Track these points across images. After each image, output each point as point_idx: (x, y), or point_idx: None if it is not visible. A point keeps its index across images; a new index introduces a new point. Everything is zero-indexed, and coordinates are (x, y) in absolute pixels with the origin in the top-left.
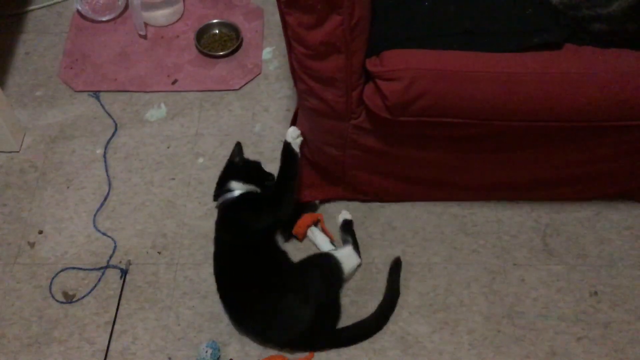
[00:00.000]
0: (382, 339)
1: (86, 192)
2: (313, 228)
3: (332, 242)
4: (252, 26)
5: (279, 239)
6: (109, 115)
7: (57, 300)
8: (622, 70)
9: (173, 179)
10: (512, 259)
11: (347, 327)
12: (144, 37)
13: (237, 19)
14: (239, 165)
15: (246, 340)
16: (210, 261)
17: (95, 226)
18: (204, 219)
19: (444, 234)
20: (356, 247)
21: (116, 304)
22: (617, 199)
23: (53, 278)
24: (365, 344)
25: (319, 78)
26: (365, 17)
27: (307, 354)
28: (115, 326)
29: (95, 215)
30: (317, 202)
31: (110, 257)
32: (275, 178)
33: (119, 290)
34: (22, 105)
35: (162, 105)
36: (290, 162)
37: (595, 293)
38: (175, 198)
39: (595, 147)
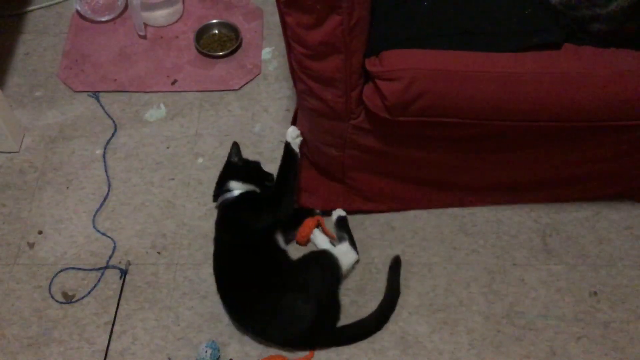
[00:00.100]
0: (382, 338)
1: (86, 193)
2: (314, 229)
3: (332, 242)
4: (251, 26)
5: (279, 239)
6: (109, 115)
7: (57, 301)
8: (622, 69)
9: (173, 179)
10: (512, 258)
11: (347, 326)
12: (144, 37)
13: (237, 19)
14: (238, 165)
15: (246, 340)
16: (210, 261)
17: (94, 226)
18: (203, 219)
19: (443, 234)
20: (353, 243)
21: (116, 304)
22: (617, 199)
23: (53, 278)
24: (364, 343)
25: (319, 78)
26: (364, 17)
27: (307, 353)
28: (115, 326)
29: (94, 216)
30: (317, 210)
31: (110, 257)
32: (275, 178)
33: (119, 290)
34: (22, 106)
35: (162, 105)
36: (290, 162)
37: (595, 293)
38: (175, 198)
39: (595, 147)
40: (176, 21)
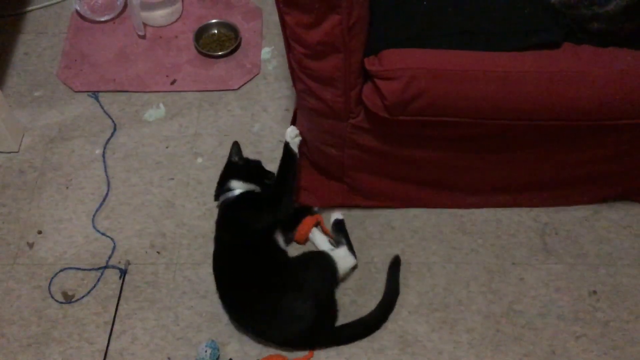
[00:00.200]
0: (382, 338)
1: (85, 193)
2: (313, 229)
3: (331, 242)
4: (250, 26)
5: (279, 239)
6: (108, 115)
7: (57, 301)
8: (621, 69)
9: (172, 179)
10: (511, 258)
11: (346, 325)
12: (143, 37)
13: (236, 19)
14: (239, 165)
15: (245, 339)
16: (210, 261)
17: (94, 226)
18: (203, 218)
19: (443, 234)
20: (351, 248)
21: (115, 304)
22: (616, 199)
23: (52, 278)
24: (364, 343)
25: (318, 78)
26: (363, 16)
27: (306, 352)
28: (115, 326)
29: (94, 216)
30: (316, 208)
31: (110, 257)
32: (275, 178)
33: (118, 290)
34: (21, 106)
35: (161, 105)
36: (289, 162)
37: (594, 292)
38: (174, 198)
39: (595, 147)
40: (175, 21)
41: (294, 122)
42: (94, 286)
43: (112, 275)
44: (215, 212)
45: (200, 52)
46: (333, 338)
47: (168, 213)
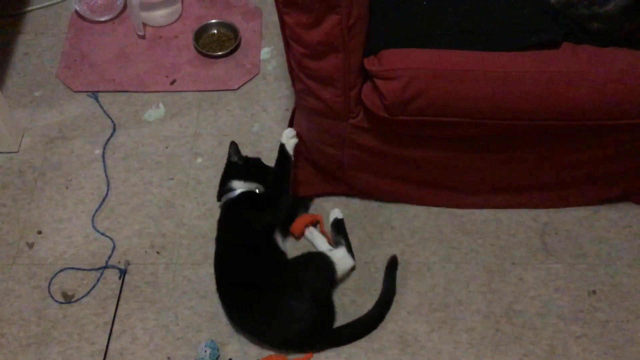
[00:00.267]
0: (381, 338)
1: (85, 193)
2: (312, 229)
3: (329, 243)
4: (250, 26)
5: (279, 240)
6: (108, 115)
7: (56, 301)
8: (620, 68)
9: (172, 179)
10: (511, 258)
11: (344, 326)
12: (143, 37)
13: (236, 19)
14: (238, 165)
15: (245, 340)
16: (209, 261)
17: (94, 226)
18: (202, 218)
19: (442, 234)
20: (349, 249)
21: (115, 304)
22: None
23: (52, 278)
24: (364, 343)
25: (317, 77)
26: (363, 16)
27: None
28: (115, 326)
29: (94, 216)
30: (313, 198)
31: (109, 257)
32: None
33: (118, 290)
34: (21, 106)
35: (161, 105)
36: (284, 164)
37: (594, 292)
38: (174, 198)
39: (595, 147)
40: (175, 21)
41: (292, 123)
42: (94, 286)
43: (112, 276)
44: (215, 212)
45: (199, 52)
46: (331, 339)
47: (168, 213)
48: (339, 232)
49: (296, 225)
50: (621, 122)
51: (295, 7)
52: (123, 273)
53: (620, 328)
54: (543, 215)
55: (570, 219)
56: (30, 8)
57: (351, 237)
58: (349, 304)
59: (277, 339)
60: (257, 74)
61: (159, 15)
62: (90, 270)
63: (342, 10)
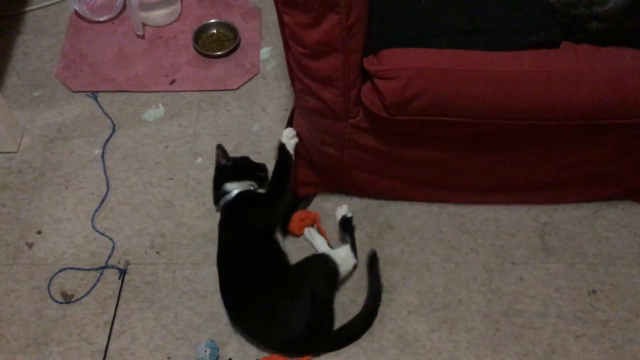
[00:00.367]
0: (381, 337)
1: (84, 193)
2: (310, 229)
3: (328, 243)
4: (249, 26)
5: (280, 240)
6: (107, 115)
7: (56, 301)
8: (620, 68)
9: (171, 179)
10: (511, 257)
11: (340, 328)
12: (142, 37)
13: (235, 19)
14: (228, 166)
15: (245, 339)
16: (209, 261)
17: (93, 226)
18: (202, 218)
19: (442, 233)
20: (353, 247)
21: (115, 304)
22: (616, 198)
23: (52, 278)
24: (364, 342)
25: (317, 77)
26: (362, 16)
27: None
28: (114, 326)
29: (93, 216)
30: (312, 198)
31: (109, 257)
32: (270, 180)
33: (118, 290)
34: (20, 106)
35: (160, 105)
36: (284, 164)
37: (594, 291)
38: (174, 198)
39: (594, 146)
40: (174, 21)
41: (290, 123)
42: (94, 286)
43: (112, 275)
44: (215, 211)
45: (199, 52)
46: (330, 342)
47: (167, 213)
48: (345, 230)
49: (293, 224)
50: (621, 121)
51: (295, 7)
52: (123, 273)
53: (620, 327)
54: (543, 215)
55: (570, 219)
56: (29, 8)
57: None
58: (349, 303)
59: (275, 341)
60: (257, 73)
61: (158, 16)
62: (90, 270)
63: (341, 10)
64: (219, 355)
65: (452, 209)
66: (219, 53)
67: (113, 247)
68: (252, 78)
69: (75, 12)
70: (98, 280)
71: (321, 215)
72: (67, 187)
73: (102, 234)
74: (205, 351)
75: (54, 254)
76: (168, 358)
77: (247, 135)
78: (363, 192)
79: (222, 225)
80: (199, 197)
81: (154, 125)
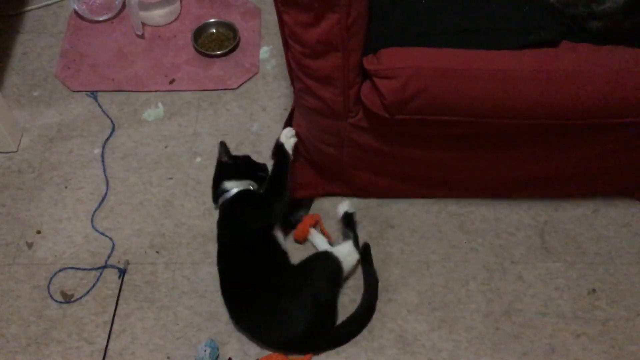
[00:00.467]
0: (381, 337)
1: (84, 192)
2: (312, 229)
3: (330, 242)
4: (249, 25)
5: (280, 239)
6: (107, 115)
7: (56, 301)
8: (619, 67)
9: (171, 178)
10: (510, 256)
11: (339, 326)
12: (141, 36)
13: (235, 19)
14: (229, 164)
15: (245, 339)
16: (209, 260)
17: (93, 226)
18: (202, 218)
19: (442, 232)
20: (356, 243)
21: (114, 304)
22: (615, 196)
23: (51, 278)
24: (363, 342)
25: (316, 77)
26: (362, 15)
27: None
28: (114, 326)
29: (93, 215)
30: (313, 200)
31: (109, 256)
32: (268, 179)
33: (118, 290)
34: (20, 106)
35: (160, 104)
36: (282, 163)
37: (594, 290)
38: (173, 198)
39: (593, 144)
40: (174, 21)
41: (289, 122)
42: (93, 286)
43: (111, 275)
44: (214, 211)
45: (198, 52)
46: (330, 340)
47: (167, 212)
48: (348, 225)
49: (299, 231)
50: (620, 120)
51: (294, 6)
52: (122, 273)
53: (620, 326)
54: (542, 214)
55: (570, 218)
56: (28, 8)
57: None
58: (349, 303)
59: (276, 340)
60: (256, 73)
61: (158, 15)
62: (89, 269)
63: (341, 9)
64: (218, 355)
65: (451, 208)
66: (218, 52)
67: (113, 247)
68: (251, 77)
69: (75, 11)
70: (98, 279)
71: (323, 215)
72: (66, 187)
73: (101, 233)
74: (205, 350)
75: (53, 253)
76: (168, 358)
77: (246, 135)
78: (363, 192)
79: (221, 224)
80: (198, 196)
81: (153, 124)
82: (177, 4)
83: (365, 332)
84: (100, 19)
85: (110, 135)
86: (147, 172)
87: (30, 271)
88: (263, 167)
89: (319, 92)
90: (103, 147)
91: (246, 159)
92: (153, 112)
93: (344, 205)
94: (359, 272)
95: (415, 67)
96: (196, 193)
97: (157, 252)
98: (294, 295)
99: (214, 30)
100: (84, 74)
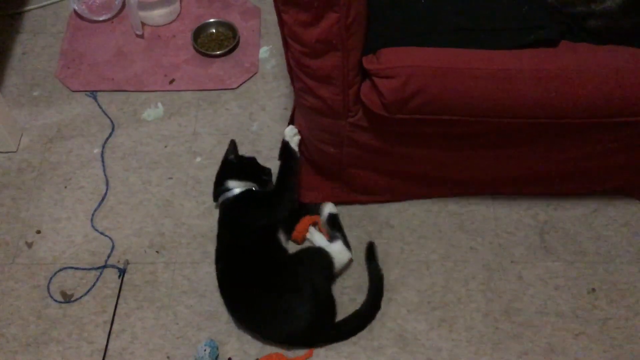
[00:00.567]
0: (381, 336)
1: (84, 192)
2: (311, 227)
3: (328, 241)
4: (249, 25)
5: (282, 238)
6: (106, 114)
7: (56, 300)
8: (618, 66)
9: (170, 178)
10: (510, 256)
11: (343, 321)
12: (141, 36)
13: (234, 18)
14: (234, 163)
15: (244, 338)
16: (208, 260)
17: (93, 226)
18: (201, 217)
19: (441, 232)
20: (346, 242)
21: (114, 304)
22: (614, 195)
23: (51, 278)
24: (363, 341)
25: (316, 76)
26: (361, 14)
27: (306, 350)
28: (114, 326)
29: (93, 215)
30: (314, 205)
31: (108, 256)
32: (276, 177)
33: (117, 289)
34: (20, 105)
35: (159, 104)
36: (290, 161)
37: (593, 290)
38: (173, 197)
39: (592, 143)
40: (173, 20)
41: (291, 122)
42: (93, 285)
43: (111, 275)
44: (214, 210)
45: (198, 52)
46: (332, 334)
47: (167, 212)
48: (334, 226)
49: (298, 232)
50: (620, 119)
51: (294, 6)
52: (122, 272)
53: (620, 326)
54: (542, 213)
55: (569, 217)
56: (28, 7)
57: (350, 236)
58: (349, 302)
59: (279, 337)
60: (256, 73)
61: (157, 15)
62: (89, 269)
63: (340, 9)
64: (218, 354)
65: (451, 207)
66: (218, 52)
67: (112, 247)
68: (251, 77)
69: (75, 11)
70: (97, 279)
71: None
72: (66, 187)
73: (101, 233)
74: (205, 350)
75: (53, 253)
76: (168, 357)
77: (246, 135)
78: (362, 192)
79: (222, 224)
80: (198, 196)
81: (153, 124)
82: (177, 4)
83: (365, 331)
84: (100, 18)
85: (110, 135)
86: (147, 171)
87: (30, 271)
88: (267, 171)
89: (318, 91)
90: (103, 147)
91: (252, 160)
92: (153, 112)
93: (328, 207)
94: (359, 272)
95: (414, 67)
96: (196, 193)
97: (157, 251)
98: (295, 288)
99: (214, 30)
100: (83, 73)
